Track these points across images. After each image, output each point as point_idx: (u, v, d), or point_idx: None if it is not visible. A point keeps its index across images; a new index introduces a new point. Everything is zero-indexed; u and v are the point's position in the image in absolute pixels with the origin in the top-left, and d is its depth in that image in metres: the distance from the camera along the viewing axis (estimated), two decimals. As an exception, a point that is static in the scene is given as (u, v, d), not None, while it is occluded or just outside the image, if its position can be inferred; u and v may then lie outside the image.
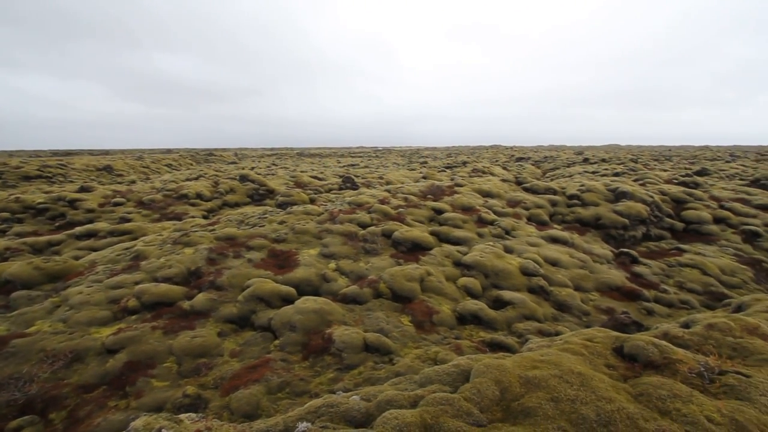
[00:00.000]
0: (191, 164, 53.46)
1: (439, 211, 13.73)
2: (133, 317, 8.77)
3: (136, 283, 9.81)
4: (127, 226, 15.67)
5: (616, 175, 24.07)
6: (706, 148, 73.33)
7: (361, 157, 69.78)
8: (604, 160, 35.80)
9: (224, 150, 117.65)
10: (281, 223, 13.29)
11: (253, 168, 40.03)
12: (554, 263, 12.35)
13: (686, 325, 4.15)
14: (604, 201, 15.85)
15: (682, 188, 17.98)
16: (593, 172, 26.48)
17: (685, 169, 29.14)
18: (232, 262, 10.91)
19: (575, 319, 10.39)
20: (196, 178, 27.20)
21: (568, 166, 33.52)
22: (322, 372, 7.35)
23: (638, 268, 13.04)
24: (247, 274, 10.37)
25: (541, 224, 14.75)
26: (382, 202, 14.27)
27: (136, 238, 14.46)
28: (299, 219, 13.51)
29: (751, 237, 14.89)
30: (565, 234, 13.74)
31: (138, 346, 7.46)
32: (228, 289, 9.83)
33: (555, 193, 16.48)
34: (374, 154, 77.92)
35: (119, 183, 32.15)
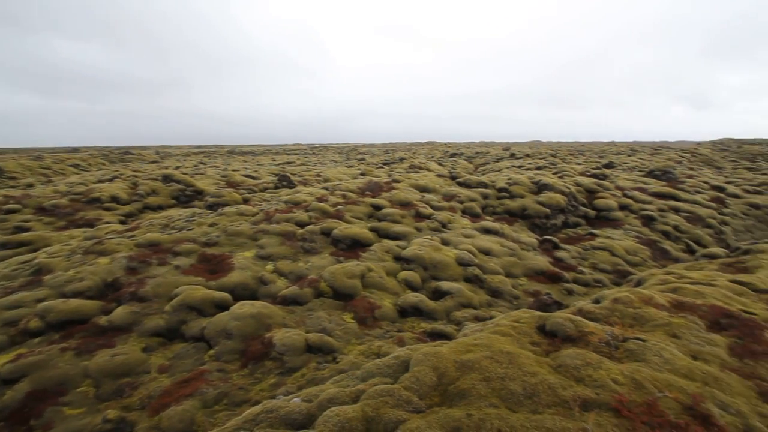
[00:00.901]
0: (104, 164, 47.95)
1: (378, 207, 13.88)
2: (36, 340, 7.70)
3: (39, 301, 8.62)
4: (24, 236, 13.71)
5: (539, 168, 26.20)
6: (612, 143, 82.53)
7: (297, 154, 68.03)
8: (528, 155, 38.82)
9: (143, 148, 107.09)
10: (212, 225, 12.51)
11: (178, 167, 37.10)
12: (487, 253, 13.09)
13: (597, 301, 4.67)
14: (529, 193, 17.13)
15: (593, 180, 20.02)
16: (519, 167, 28.57)
17: (595, 162, 32.57)
18: (157, 270, 10.04)
19: (507, 303, 11.13)
20: (111, 180, 24.56)
21: (497, 161, 35.79)
22: (262, 378, 7.07)
23: (559, 253, 14.30)
24: (174, 282, 9.62)
25: (474, 216, 15.55)
26: (320, 200, 14.06)
27: (37, 250, 12.69)
28: (232, 220, 12.82)
29: (648, 221, 17.04)
30: (496, 225, 14.62)
31: (44, 371, 6.57)
32: (153, 300, 9.03)
33: (486, 186, 17.47)
34: (311, 152, 76.42)
35: (12, 187, 27.88)
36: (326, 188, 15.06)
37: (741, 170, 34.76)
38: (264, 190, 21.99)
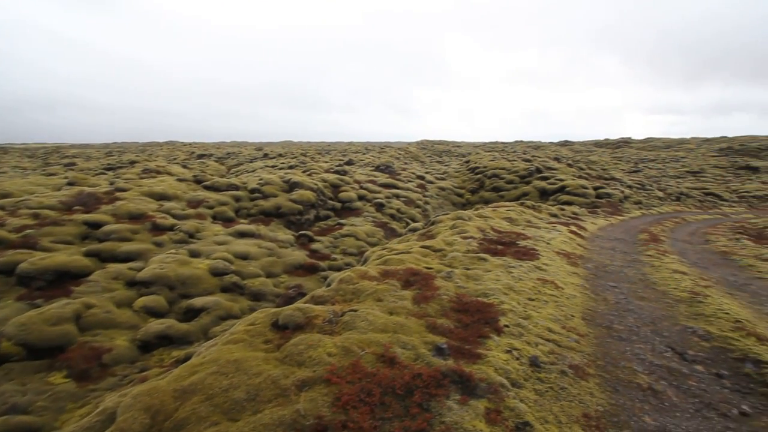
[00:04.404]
0: None
1: (97, 225, 11.00)
2: None
3: None
4: None
5: (291, 167, 27.47)
6: (352, 143, 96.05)
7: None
8: (281, 155, 40.06)
9: None
10: None
11: None
12: (245, 257, 12.67)
13: (329, 284, 5.26)
14: (282, 192, 17.67)
15: (336, 176, 22.63)
16: (272, 166, 29.06)
17: (339, 160, 37.05)
18: None
19: (270, 304, 11.12)
20: None
21: (251, 162, 35.16)
22: None
23: (315, 245, 15.46)
24: None
25: (227, 221, 14.73)
26: (-7, 225, 9.88)
27: None
28: None
29: (379, 207, 20.72)
30: (252, 227, 14.35)
31: None
32: None
33: (237, 188, 16.84)
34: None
35: None
36: (2, 207, 10.72)
37: (435, 163, 47.48)
38: None
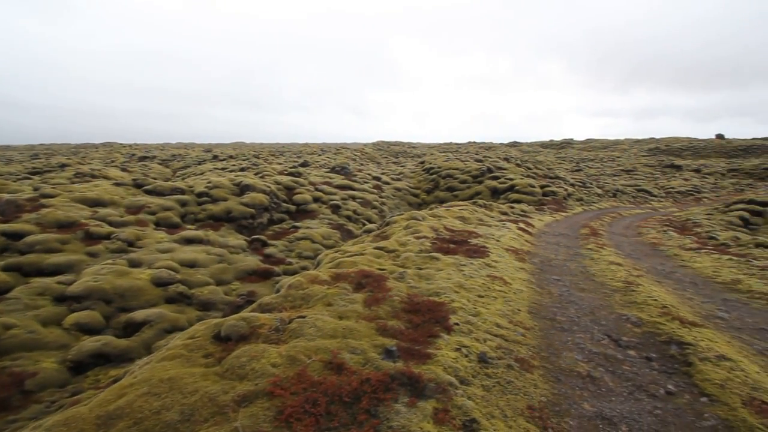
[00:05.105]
0: None
1: (18, 235, 9.92)
2: None
3: None
4: None
5: (242, 170, 26.46)
6: (307, 145, 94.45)
7: None
8: (231, 157, 38.48)
9: None
10: None
11: None
12: (192, 265, 12.00)
13: (278, 291, 5.09)
14: (232, 195, 16.95)
15: (291, 177, 22.10)
16: (223, 169, 27.82)
17: (294, 162, 36.26)
18: None
19: (220, 313, 10.61)
20: None
21: (199, 164, 33.44)
22: None
23: (268, 250, 14.96)
24: None
25: (172, 227, 13.87)
26: None
27: None
28: None
29: (335, 209, 20.49)
30: (200, 233, 13.62)
31: None
32: None
33: (183, 192, 15.93)
34: None
35: None
36: None
37: (391, 164, 47.85)
38: None
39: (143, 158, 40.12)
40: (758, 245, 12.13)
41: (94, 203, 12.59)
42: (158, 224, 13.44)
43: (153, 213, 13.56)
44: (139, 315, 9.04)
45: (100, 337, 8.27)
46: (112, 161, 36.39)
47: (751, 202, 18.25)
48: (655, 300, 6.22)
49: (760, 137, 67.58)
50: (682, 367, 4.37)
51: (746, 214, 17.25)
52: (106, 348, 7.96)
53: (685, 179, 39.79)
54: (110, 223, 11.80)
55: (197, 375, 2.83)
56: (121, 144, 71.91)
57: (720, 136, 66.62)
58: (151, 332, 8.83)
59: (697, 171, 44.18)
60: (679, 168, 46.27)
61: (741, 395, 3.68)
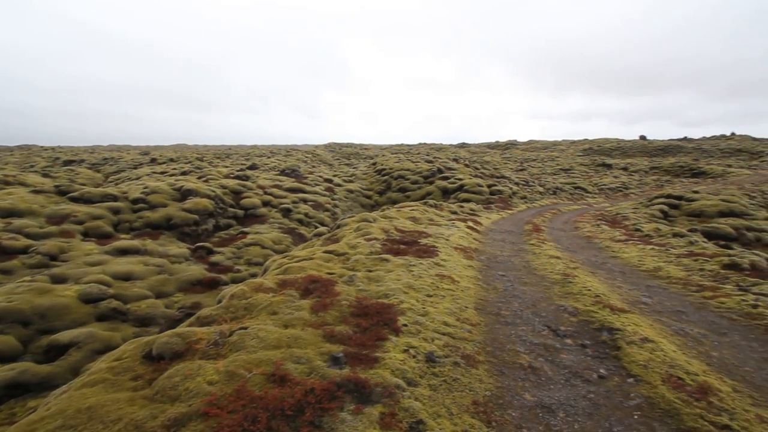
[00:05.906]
0: None
1: None
2: None
3: None
4: None
5: (184, 173, 24.96)
6: (255, 147, 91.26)
7: None
8: (172, 160, 36.17)
9: None
10: None
11: None
12: (127, 277, 11.11)
13: (219, 301, 4.81)
14: (172, 201, 15.92)
15: (238, 181, 21.19)
16: (162, 173, 26.04)
17: (241, 164, 34.85)
18: None
19: (159, 327, 9.90)
20: None
21: (135, 168, 31.03)
22: None
23: (214, 258, 14.22)
24: None
25: (103, 237, 12.75)
26: None
27: None
28: None
29: (286, 212, 19.95)
30: (136, 242, 12.63)
31: None
32: None
33: (116, 199, 14.70)
34: None
35: None
36: None
37: (343, 166, 47.55)
38: None
39: (69, 162, 36.49)
40: (675, 235, 13.50)
41: (7, 213, 11.23)
42: (87, 235, 12.29)
43: (80, 222, 12.37)
44: (64, 336, 8.20)
45: (15, 365, 7.39)
46: (32, 166, 32.68)
47: (669, 196, 20.31)
48: (589, 290, 6.67)
49: (676, 138, 75.71)
50: (612, 352, 4.71)
51: (665, 207, 19.16)
52: (23, 377, 7.14)
53: (615, 177, 43.42)
54: (27, 236, 10.59)
55: (122, 401, 2.57)
56: (41, 147, 65.03)
57: (643, 138, 73.68)
58: (80, 355, 8.05)
59: (625, 169, 48.45)
60: (609, 167, 50.44)
61: (661, 373, 4.04)
